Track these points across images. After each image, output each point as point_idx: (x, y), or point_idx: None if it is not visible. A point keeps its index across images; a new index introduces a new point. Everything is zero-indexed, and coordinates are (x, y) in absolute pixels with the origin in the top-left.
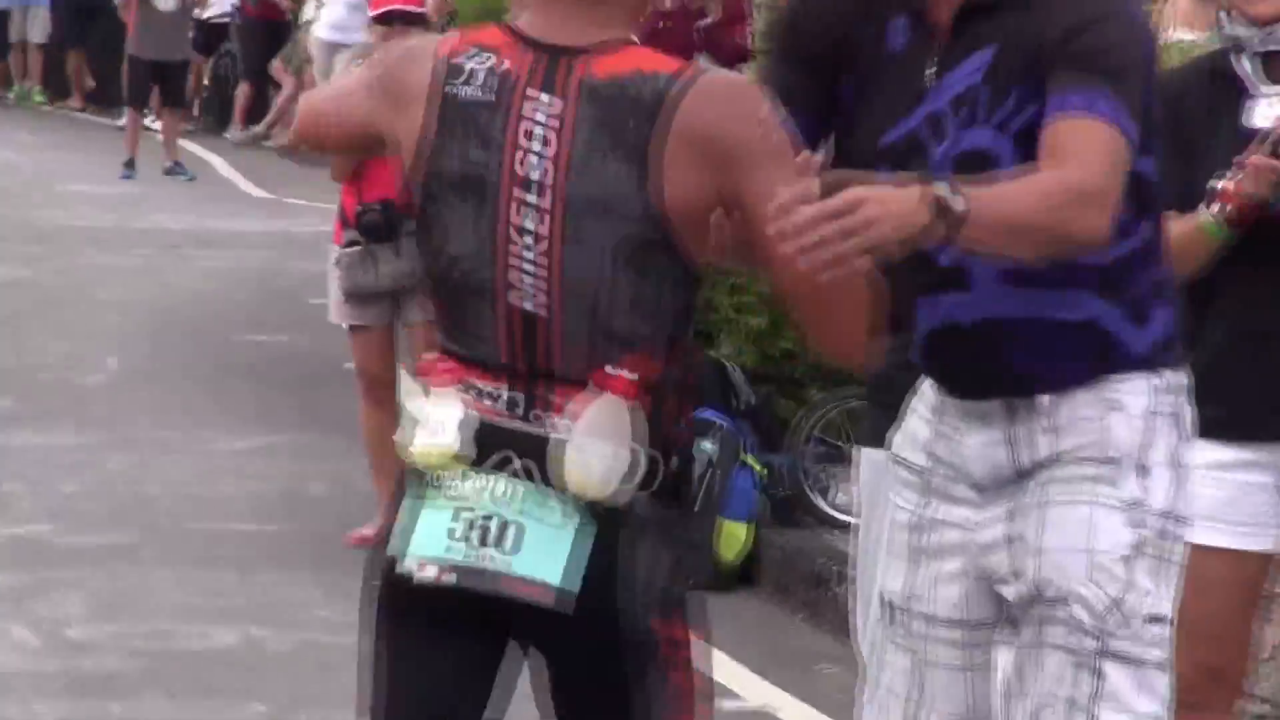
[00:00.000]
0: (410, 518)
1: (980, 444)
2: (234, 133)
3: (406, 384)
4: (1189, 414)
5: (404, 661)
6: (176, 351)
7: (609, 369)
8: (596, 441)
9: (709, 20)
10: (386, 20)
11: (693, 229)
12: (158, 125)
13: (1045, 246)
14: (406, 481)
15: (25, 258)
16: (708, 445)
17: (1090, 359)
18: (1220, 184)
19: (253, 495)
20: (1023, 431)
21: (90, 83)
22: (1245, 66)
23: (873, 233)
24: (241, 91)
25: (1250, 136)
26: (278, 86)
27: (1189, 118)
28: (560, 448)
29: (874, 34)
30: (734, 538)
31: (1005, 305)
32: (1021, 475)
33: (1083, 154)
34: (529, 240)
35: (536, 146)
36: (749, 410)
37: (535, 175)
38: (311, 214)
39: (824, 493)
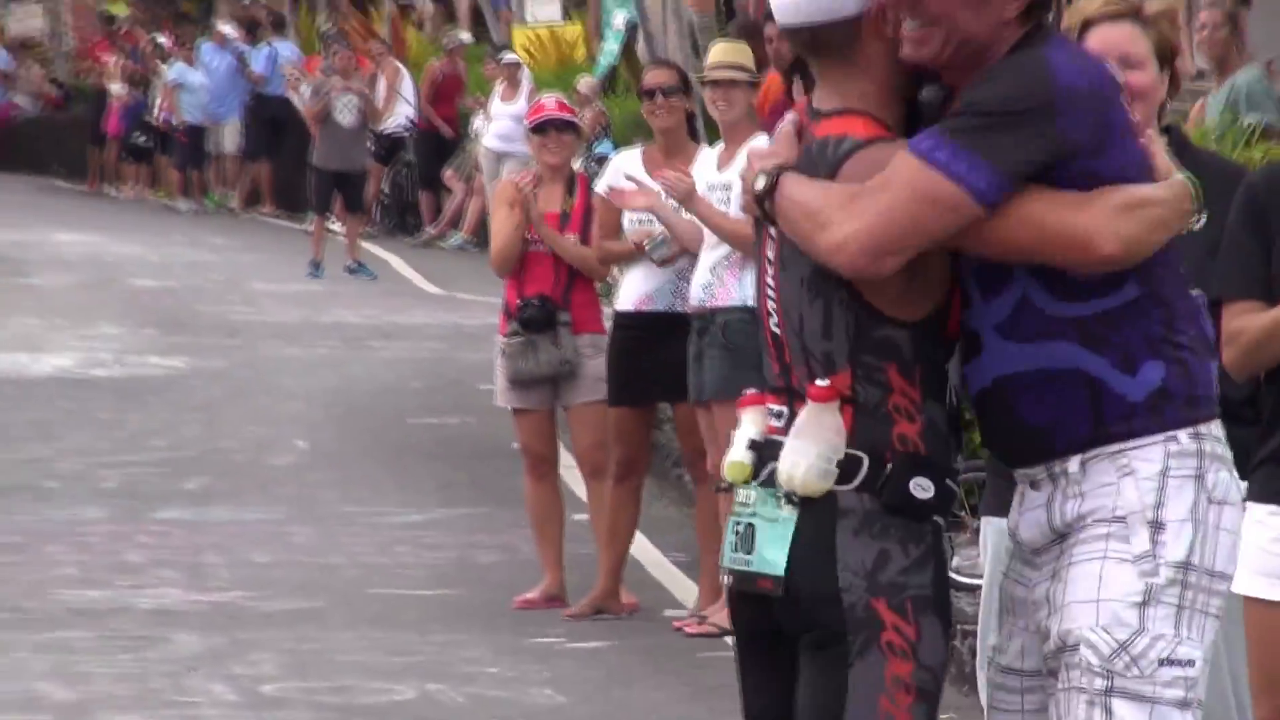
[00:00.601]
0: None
1: (1030, 509)
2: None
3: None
4: (1217, 475)
5: (745, 676)
6: (358, 434)
7: (818, 382)
8: (801, 442)
9: None
10: (542, 129)
11: None
12: (340, 228)
13: (806, 248)
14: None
15: (220, 350)
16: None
17: (1088, 406)
18: None
19: (428, 564)
20: (1059, 497)
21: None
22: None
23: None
24: (422, 198)
25: None
26: (448, 192)
27: (1277, 215)
28: (785, 450)
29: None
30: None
31: (1006, 362)
32: (1059, 538)
33: (878, 187)
34: (770, 269)
35: None
36: None
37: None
38: (479, 308)
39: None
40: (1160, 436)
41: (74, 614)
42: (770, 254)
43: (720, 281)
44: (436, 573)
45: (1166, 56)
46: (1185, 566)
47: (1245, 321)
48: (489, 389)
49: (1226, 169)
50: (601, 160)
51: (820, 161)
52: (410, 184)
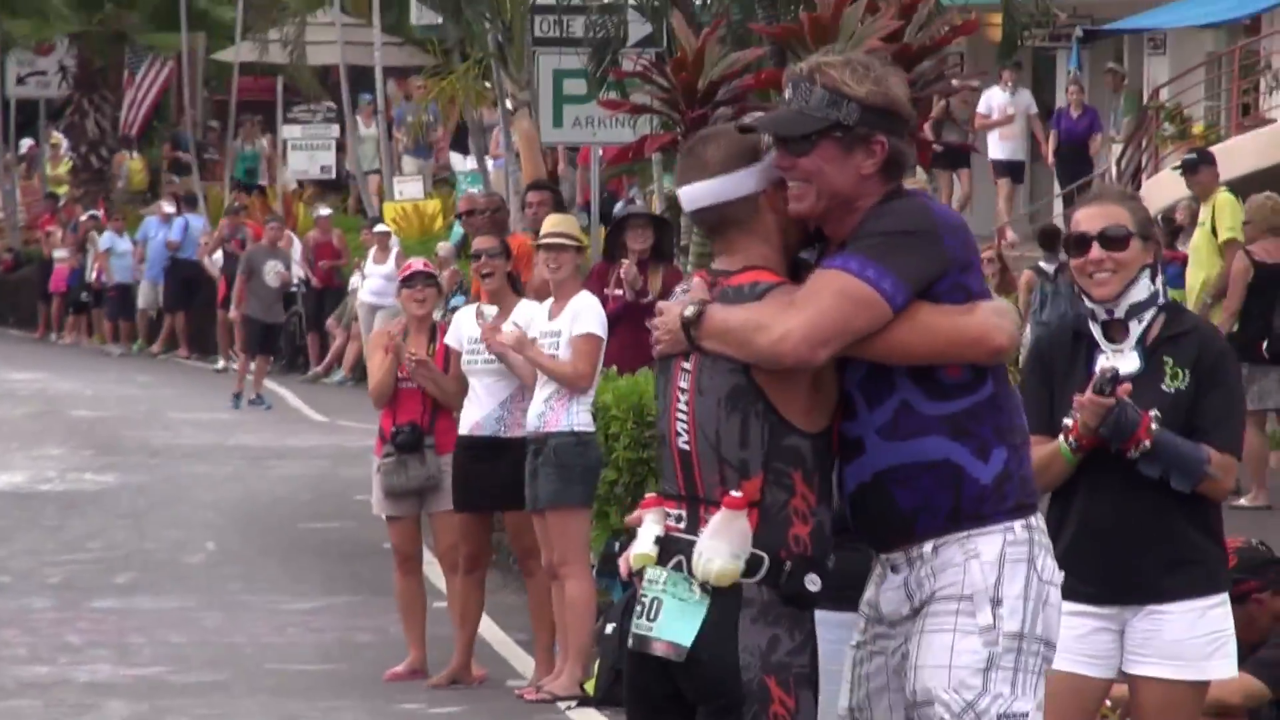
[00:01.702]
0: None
1: (890, 589)
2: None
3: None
4: (1044, 559)
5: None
6: (257, 536)
7: (732, 493)
8: (715, 541)
9: (651, 297)
10: (410, 281)
11: (777, 383)
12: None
13: (744, 351)
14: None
15: (144, 468)
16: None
17: (951, 490)
18: (1068, 420)
19: (314, 643)
20: (914, 577)
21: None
22: (1094, 330)
23: (664, 335)
24: (309, 341)
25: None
26: (332, 337)
27: (1056, 367)
28: (696, 548)
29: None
30: None
31: (886, 458)
32: (914, 612)
33: (808, 293)
34: (683, 396)
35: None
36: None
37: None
38: (357, 433)
39: None
40: (999, 527)
41: (24, 685)
42: (683, 384)
43: (552, 410)
44: (322, 650)
45: None
46: (1019, 636)
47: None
48: (365, 499)
49: None
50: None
51: (739, 299)
52: (300, 330)
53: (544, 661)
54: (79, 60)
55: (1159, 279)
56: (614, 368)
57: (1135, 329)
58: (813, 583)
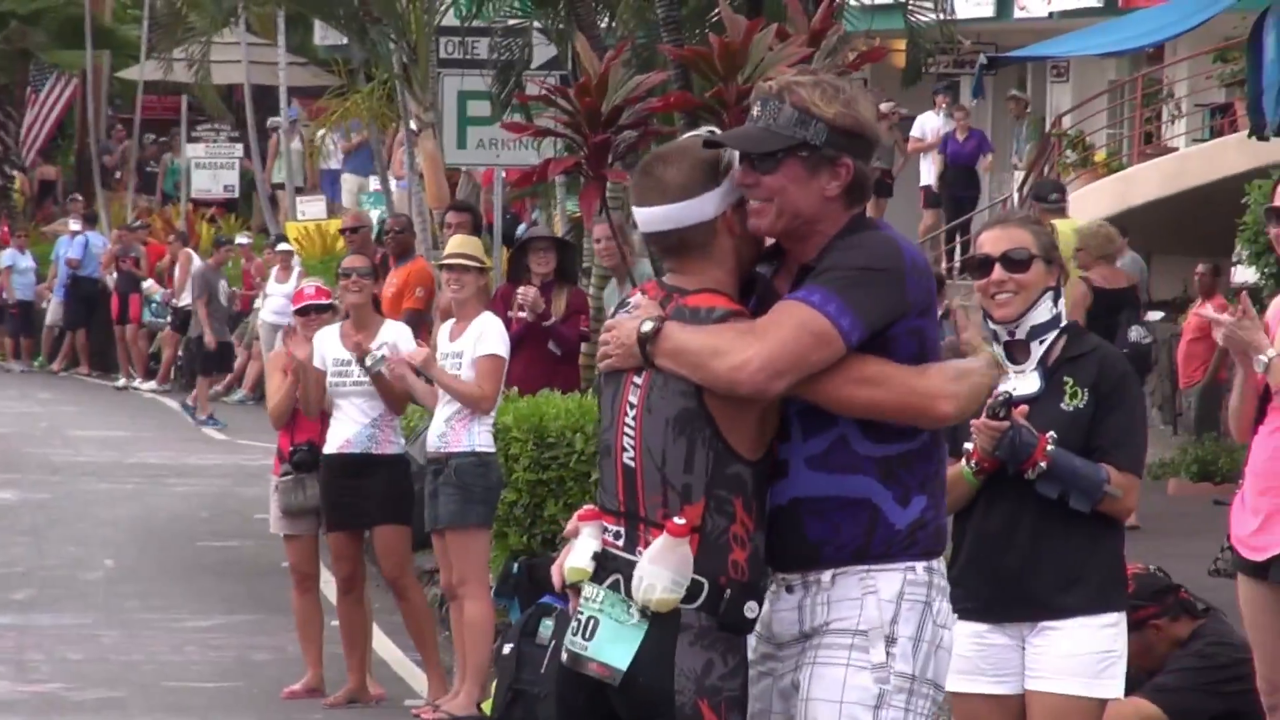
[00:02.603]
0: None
1: (783, 610)
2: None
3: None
4: (941, 603)
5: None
6: (156, 554)
7: (676, 520)
8: (656, 567)
9: (554, 320)
10: (304, 312)
11: (727, 411)
12: (144, 386)
13: (700, 374)
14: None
15: (44, 484)
16: (549, 624)
17: (864, 530)
18: (969, 444)
19: (213, 661)
20: (809, 602)
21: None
22: (998, 350)
23: (616, 349)
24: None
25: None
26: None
27: None
28: (636, 571)
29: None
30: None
31: (808, 487)
32: (804, 636)
33: (769, 323)
34: (632, 411)
35: None
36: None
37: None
38: (256, 451)
39: None
40: (901, 565)
41: (7, 707)
42: (633, 399)
43: (454, 431)
44: (220, 668)
45: None
46: (911, 677)
47: None
48: (264, 518)
49: None
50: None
51: (695, 322)
52: (200, 349)
53: (437, 682)
54: None
55: (1061, 301)
56: (515, 389)
57: (1037, 350)
58: (750, 609)
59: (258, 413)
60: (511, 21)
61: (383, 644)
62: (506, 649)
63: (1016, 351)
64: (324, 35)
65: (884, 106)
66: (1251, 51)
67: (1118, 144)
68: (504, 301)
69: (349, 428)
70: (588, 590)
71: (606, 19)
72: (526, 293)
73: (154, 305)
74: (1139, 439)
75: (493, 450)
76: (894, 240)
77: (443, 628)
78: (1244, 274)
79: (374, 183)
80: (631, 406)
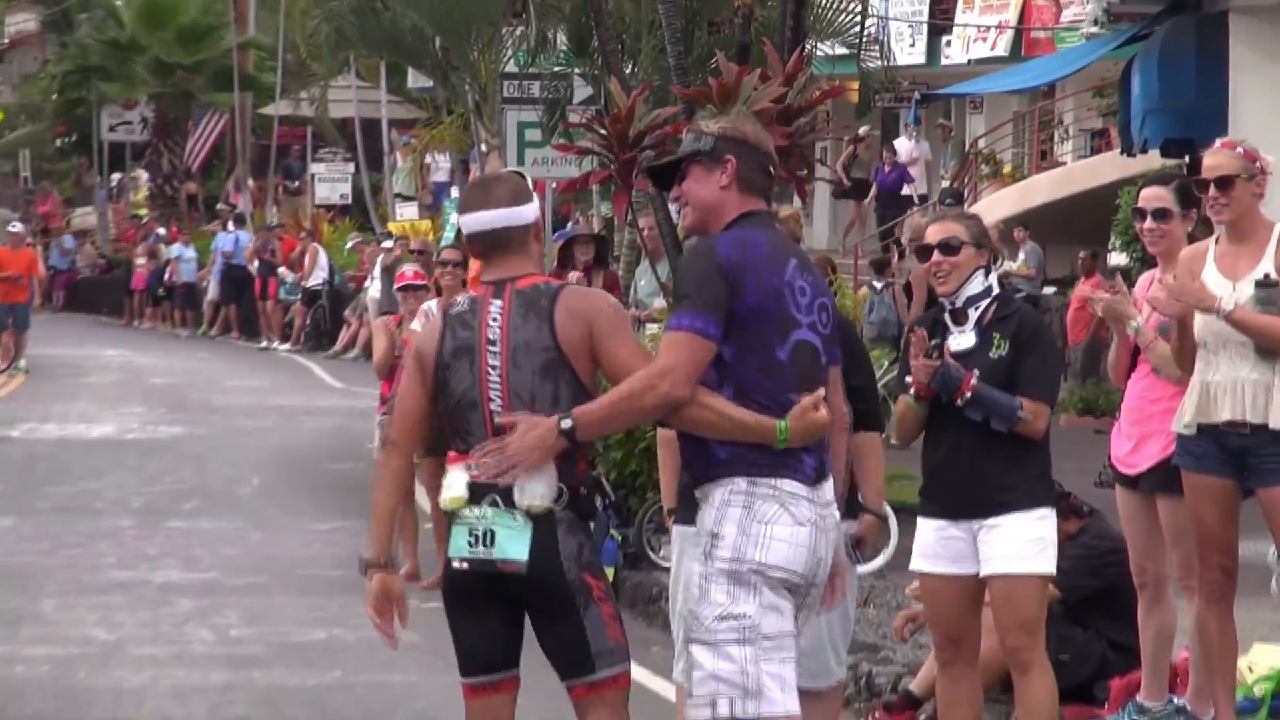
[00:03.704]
0: (449, 536)
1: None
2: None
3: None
4: (764, 506)
5: (459, 624)
6: (291, 474)
7: None
8: (533, 482)
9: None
10: (404, 289)
11: (580, 360)
12: (280, 347)
13: (636, 419)
14: (445, 521)
15: (205, 422)
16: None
17: (702, 459)
18: (909, 378)
19: (333, 554)
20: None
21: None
22: (945, 317)
23: (530, 457)
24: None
25: (954, 354)
26: (348, 324)
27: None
28: (516, 486)
29: None
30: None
31: (686, 438)
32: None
33: (660, 356)
34: (495, 370)
35: (495, 322)
36: (613, 504)
37: (494, 335)
38: (365, 397)
39: (654, 549)
40: (726, 481)
41: (113, 586)
42: (494, 363)
43: None
44: (338, 560)
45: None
46: (733, 560)
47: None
48: (371, 446)
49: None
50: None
51: (539, 296)
52: (324, 318)
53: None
54: (156, 113)
55: (993, 275)
56: None
57: (973, 314)
58: (595, 503)
59: (365, 367)
60: (557, 68)
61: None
62: None
63: (959, 316)
64: (415, 79)
65: (861, 131)
66: (1122, 89)
67: (1020, 160)
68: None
69: None
70: (471, 512)
71: (631, 66)
72: (572, 277)
73: (287, 286)
74: (1049, 376)
75: None
76: (714, 248)
77: None
78: (1117, 258)
79: (454, 192)
80: (493, 370)
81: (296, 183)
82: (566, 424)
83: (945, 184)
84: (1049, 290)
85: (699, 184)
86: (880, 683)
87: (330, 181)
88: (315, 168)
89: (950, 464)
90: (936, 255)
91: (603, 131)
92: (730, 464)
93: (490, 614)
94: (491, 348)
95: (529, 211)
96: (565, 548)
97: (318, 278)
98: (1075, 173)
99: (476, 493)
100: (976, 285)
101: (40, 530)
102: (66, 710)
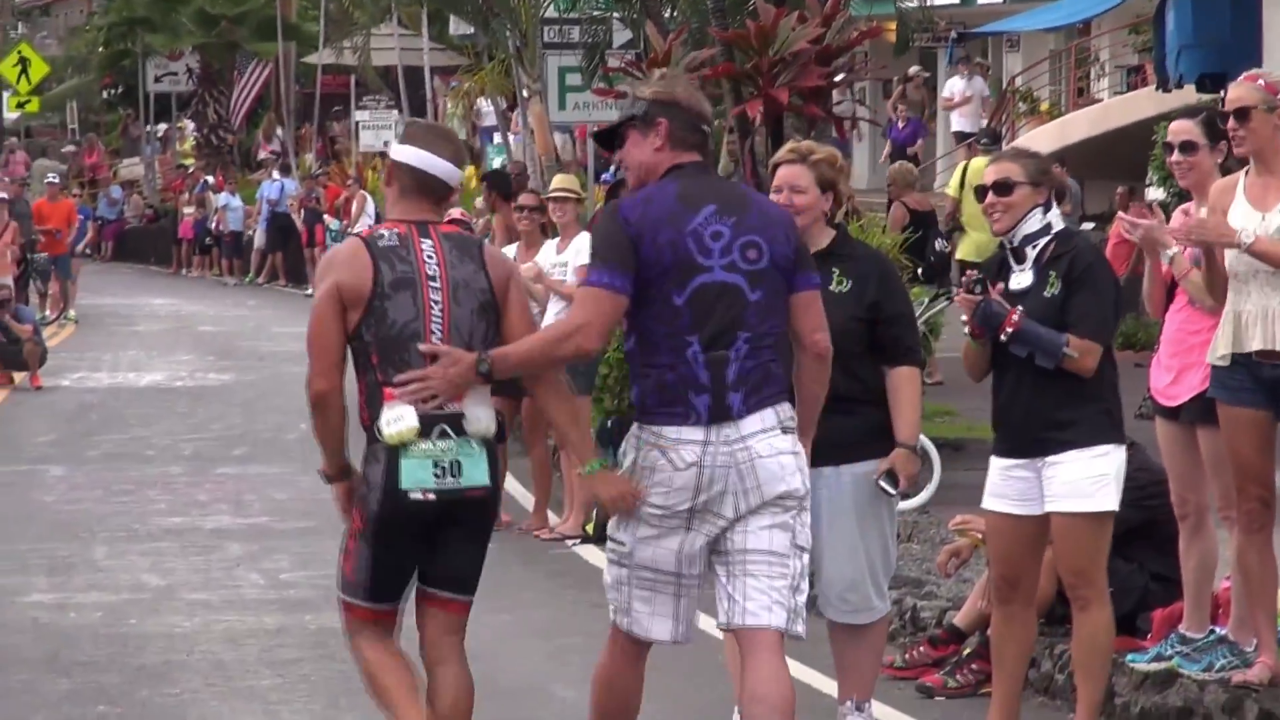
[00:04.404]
0: (394, 471)
1: None
2: None
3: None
4: (648, 454)
5: (389, 556)
6: None
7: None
8: (482, 409)
9: None
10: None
11: (506, 306)
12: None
13: (547, 366)
14: (372, 454)
15: (253, 369)
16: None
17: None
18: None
19: None
20: None
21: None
22: (1007, 255)
23: (448, 391)
24: None
25: (1009, 294)
26: None
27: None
28: (467, 416)
29: None
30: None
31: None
32: None
33: (574, 311)
34: (437, 305)
35: (431, 259)
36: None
37: (433, 271)
38: None
39: None
40: (637, 426)
41: (164, 532)
42: (436, 298)
43: None
44: None
45: (826, 185)
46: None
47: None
48: None
49: (871, 252)
50: None
51: (468, 243)
52: None
53: (540, 513)
54: (201, 64)
55: (1052, 213)
56: None
57: (1031, 253)
58: (504, 429)
59: None
60: (596, 13)
61: (511, 484)
62: None
63: (1018, 255)
64: (457, 25)
65: (910, 70)
66: (1157, 25)
67: (1058, 97)
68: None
69: None
70: (426, 445)
71: (669, 9)
72: None
73: (333, 233)
74: (1099, 314)
75: None
76: (617, 209)
77: (555, 470)
78: (1154, 193)
79: (497, 137)
80: (435, 304)
81: (336, 128)
82: (484, 366)
83: (983, 121)
84: (1087, 226)
85: (636, 147)
86: (925, 617)
87: (374, 129)
88: (359, 115)
89: (1012, 402)
90: (990, 196)
91: (640, 75)
92: (644, 406)
93: (420, 542)
94: (432, 283)
95: (459, 177)
96: (499, 471)
97: (363, 224)
98: (1112, 109)
99: (426, 424)
100: (1033, 224)
101: (91, 478)
102: (119, 656)
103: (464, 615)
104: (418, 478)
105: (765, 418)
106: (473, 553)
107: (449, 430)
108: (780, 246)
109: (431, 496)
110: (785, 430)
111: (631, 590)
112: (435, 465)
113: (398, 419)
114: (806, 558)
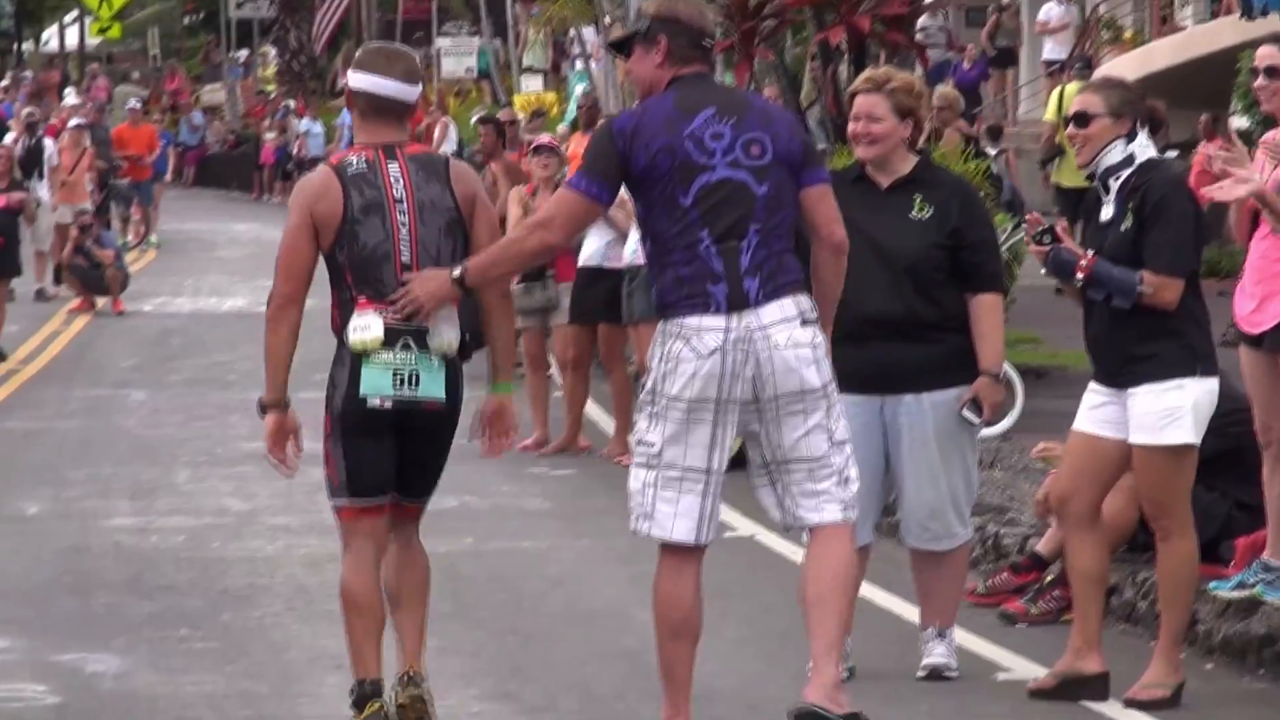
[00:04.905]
0: (356, 376)
1: None
2: None
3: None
4: (672, 345)
5: (359, 451)
6: None
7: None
8: (446, 326)
9: None
10: (539, 150)
11: (474, 221)
12: None
13: (517, 262)
14: (340, 358)
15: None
16: None
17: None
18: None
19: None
20: None
21: None
22: (1098, 187)
23: (429, 303)
24: None
25: (1099, 226)
26: None
27: (1087, 212)
28: (431, 331)
29: None
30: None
31: None
32: None
33: (545, 208)
34: (404, 226)
35: (397, 182)
36: None
37: (399, 194)
38: None
39: None
40: (661, 324)
41: (246, 457)
42: (403, 219)
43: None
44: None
45: (905, 112)
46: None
47: None
48: None
49: (953, 179)
50: None
51: (433, 163)
52: None
53: (620, 439)
54: None
55: (1135, 144)
56: None
57: (1114, 185)
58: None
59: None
60: None
61: (591, 409)
62: None
63: (1104, 187)
64: None
65: None
66: None
67: (1141, 25)
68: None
69: (587, 248)
70: (386, 356)
71: None
72: None
73: None
74: (1174, 246)
75: None
76: (610, 123)
77: (634, 395)
78: (1238, 121)
79: (579, 64)
80: (403, 226)
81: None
82: (457, 272)
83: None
84: (1171, 154)
85: (639, 62)
86: (1007, 544)
87: (456, 55)
88: (441, 42)
89: (1097, 335)
90: (1071, 127)
91: (723, 1)
92: (661, 301)
93: (385, 443)
94: (399, 205)
95: (414, 92)
96: (460, 384)
97: (446, 150)
98: (1195, 37)
99: (390, 336)
100: (1115, 155)
101: (174, 403)
102: (201, 579)
103: (418, 516)
104: (377, 385)
105: (784, 306)
106: (429, 458)
107: (411, 343)
108: (784, 143)
109: (389, 405)
110: (805, 322)
111: (656, 492)
112: (394, 375)
113: (364, 327)
114: (849, 448)
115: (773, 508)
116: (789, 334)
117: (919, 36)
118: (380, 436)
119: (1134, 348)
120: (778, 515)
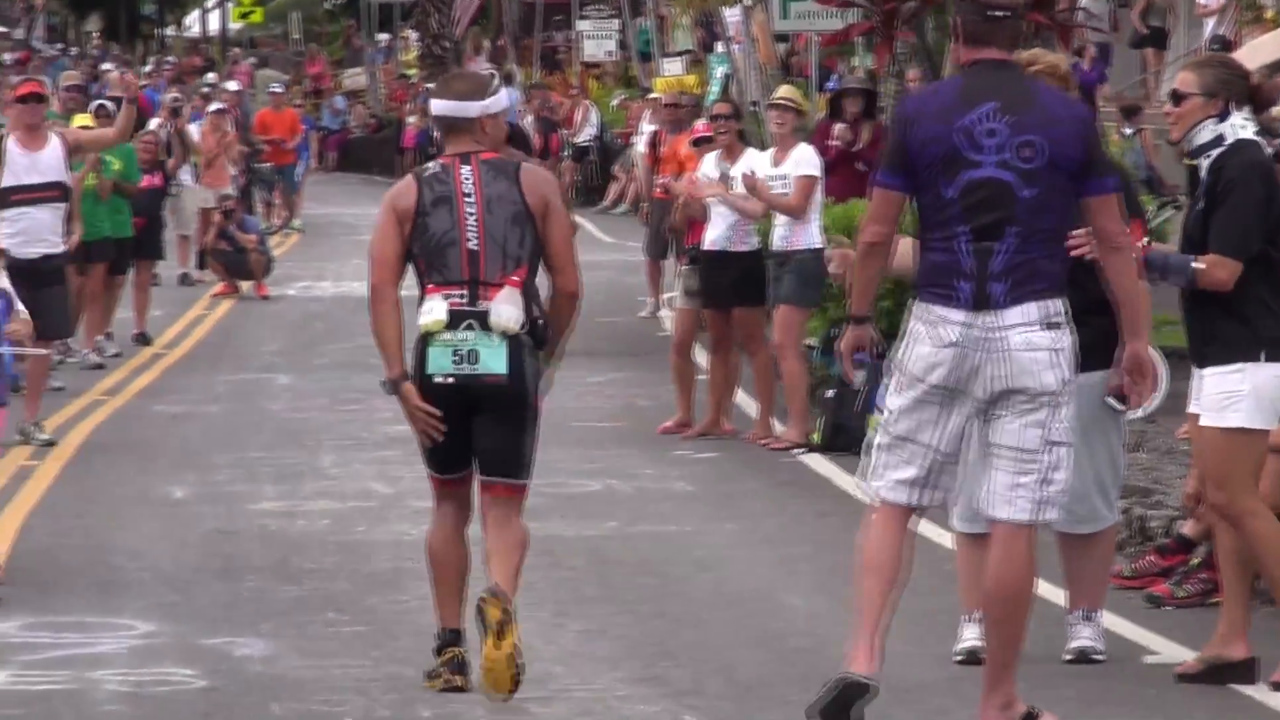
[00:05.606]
0: (423, 357)
1: None
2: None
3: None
4: (915, 326)
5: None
6: None
7: (511, 275)
8: (507, 306)
9: (860, 146)
10: (697, 143)
11: (540, 216)
12: None
13: (860, 272)
14: (416, 344)
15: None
16: (861, 374)
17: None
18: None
19: (606, 406)
20: None
21: None
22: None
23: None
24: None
25: (1191, 204)
26: (617, 179)
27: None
28: (491, 312)
29: None
30: (876, 421)
31: None
32: None
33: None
34: (473, 215)
35: (467, 180)
36: (882, 353)
37: (469, 190)
38: (636, 251)
39: None
40: (915, 298)
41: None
42: (471, 210)
43: (793, 234)
44: (611, 412)
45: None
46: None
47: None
48: (642, 300)
49: None
50: None
51: (505, 166)
52: (593, 174)
53: (763, 420)
54: None
55: (1226, 124)
56: (831, 198)
57: (1205, 163)
58: (543, 330)
59: (634, 222)
60: None
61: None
62: (829, 394)
63: (1196, 165)
64: None
65: None
66: None
67: None
68: (823, 134)
69: (714, 232)
70: (448, 336)
71: None
72: (841, 130)
73: (570, 148)
74: (1235, 228)
75: (824, 246)
76: (902, 100)
77: (776, 378)
78: None
79: (720, 46)
80: (470, 215)
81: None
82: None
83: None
84: None
85: (954, 45)
86: (1153, 526)
87: (597, 38)
88: (581, 25)
89: (1183, 318)
90: (1168, 105)
91: None
92: (917, 284)
93: (454, 420)
94: (468, 199)
95: (474, 107)
96: (529, 367)
97: (587, 134)
98: None
99: (455, 318)
100: (1205, 135)
101: (318, 387)
102: (346, 563)
103: (510, 497)
104: (440, 364)
105: (1027, 311)
106: (502, 435)
107: (474, 324)
108: (1062, 147)
109: (451, 380)
110: (1048, 326)
111: (884, 455)
112: (454, 353)
113: (429, 311)
114: (1063, 450)
115: (978, 487)
116: (1026, 336)
117: (1079, 16)
118: (449, 413)
119: (1202, 329)
120: (977, 495)
